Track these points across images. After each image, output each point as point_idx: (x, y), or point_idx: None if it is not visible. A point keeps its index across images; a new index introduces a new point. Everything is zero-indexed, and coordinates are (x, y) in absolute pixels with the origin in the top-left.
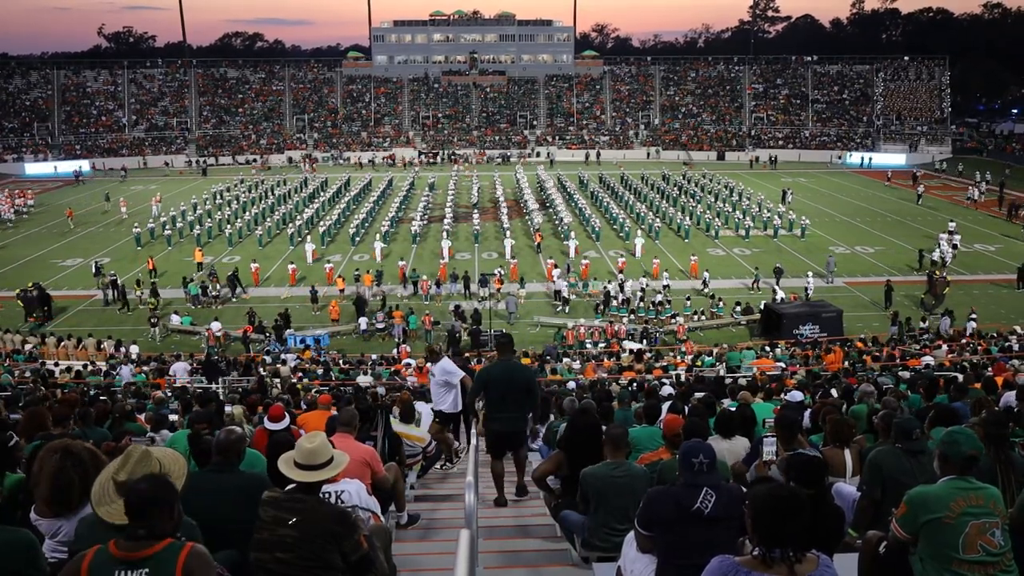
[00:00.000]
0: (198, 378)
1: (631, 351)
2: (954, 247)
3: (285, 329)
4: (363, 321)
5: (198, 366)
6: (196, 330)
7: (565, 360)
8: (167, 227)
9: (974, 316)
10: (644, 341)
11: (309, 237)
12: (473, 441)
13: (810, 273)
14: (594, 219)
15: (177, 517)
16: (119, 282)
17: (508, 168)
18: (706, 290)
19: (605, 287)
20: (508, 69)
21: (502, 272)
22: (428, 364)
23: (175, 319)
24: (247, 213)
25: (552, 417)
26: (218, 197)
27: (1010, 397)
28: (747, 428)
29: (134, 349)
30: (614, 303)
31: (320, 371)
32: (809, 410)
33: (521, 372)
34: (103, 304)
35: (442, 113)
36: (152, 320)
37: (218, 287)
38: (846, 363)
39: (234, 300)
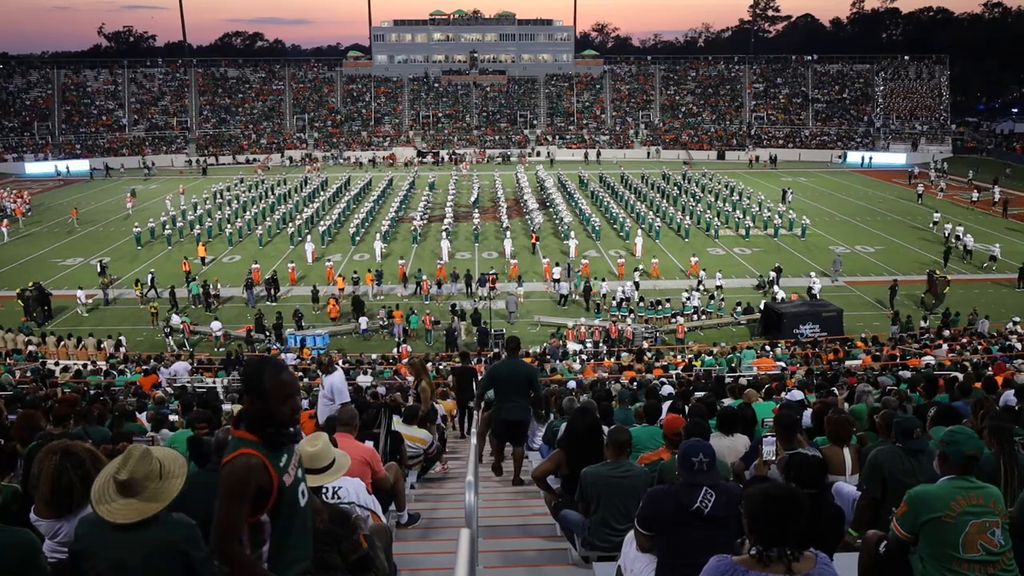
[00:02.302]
0: (198, 377)
1: (575, 352)
2: (957, 238)
3: (287, 328)
4: (363, 321)
5: (198, 366)
6: (198, 330)
7: (565, 360)
8: (167, 227)
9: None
10: (604, 345)
11: (309, 237)
12: (473, 441)
13: (813, 273)
14: (594, 219)
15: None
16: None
17: (508, 167)
18: (774, 289)
19: (586, 284)
20: (508, 68)
21: (496, 274)
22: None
23: (175, 319)
24: (247, 212)
25: (552, 417)
26: (218, 196)
27: (1010, 396)
28: (747, 428)
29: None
30: (614, 303)
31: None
32: (810, 409)
33: (524, 368)
34: (103, 304)
35: (442, 112)
36: (166, 330)
37: (218, 286)
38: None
39: (273, 303)
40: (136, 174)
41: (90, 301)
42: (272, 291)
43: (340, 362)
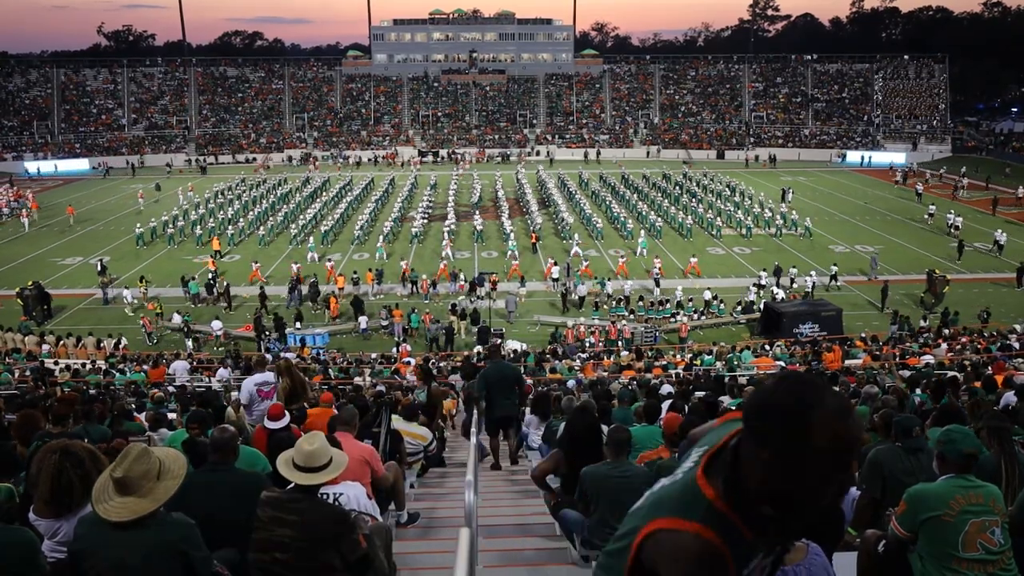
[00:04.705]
0: (198, 376)
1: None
2: (956, 228)
3: (287, 327)
4: (363, 320)
5: (198, 365)
6: (198, 329)
7: (565, 359)
8: (168, 226)
9: None
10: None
11: (311, 237)
12: (473, 440)
13: (813, 272)
14: (595, 218)
15: None
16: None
17: (508, 167)
18: (774, 290)
19: (565, 284)
20: (508, 68)
21: (496, 276)
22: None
23: (176, 318)
24: (249, 212)
25: (551, 416)
26: (220, 196)
27: (1010, 396)
28: None
29: (124, 341)
30: (614, 303)
31: (319, 368)
32: None
33: (510, 370)
34: (103, 303)
35: (442, 112)
36: (184, 330)
37: (224, 284)
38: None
39: (315, 310)
40: (145, 172)
41: (135, 301)
42: (315, 296)
43: (339, 360)
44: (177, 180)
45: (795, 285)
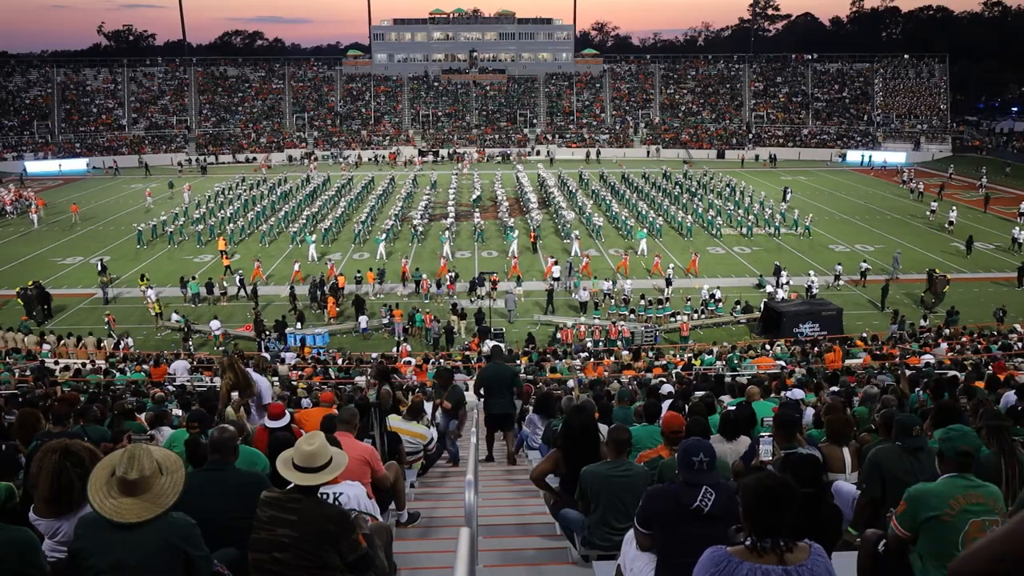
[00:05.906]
0: (198, 376)
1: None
2: (950, 223)
3: (287, 327)
4: (363, 320)
5: (198, 364)
6: (198, 328)
7: (565, 359)
8: (168, 225)
9: None
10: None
11: (312, 236)
12: (473, 440)
13: (811, 272)
14: (595, 218)
15: None
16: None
17: (508, 167)
18: (769, 290)
19: (565, 284)
20: (508, 67)
21: (496, 276)
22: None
23: (175, 318)
24: (249, 212)
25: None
26: (220, 196)
27: (1010, 396)
28: (748, 427)
29: (129, 341)
30: (613, 302)
31: (320, 369)
32: (810, 408)
33: (507, 370)
34: (103, 303)
35: (442, 111)
36: (184, 330)
37: (224, 285)
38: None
39: (316, 311)
40: (156, 172)
41: (159, 300)
42: (316, 298)
43: (340, 360)
44: (181, 179)
45: (841, 282)
